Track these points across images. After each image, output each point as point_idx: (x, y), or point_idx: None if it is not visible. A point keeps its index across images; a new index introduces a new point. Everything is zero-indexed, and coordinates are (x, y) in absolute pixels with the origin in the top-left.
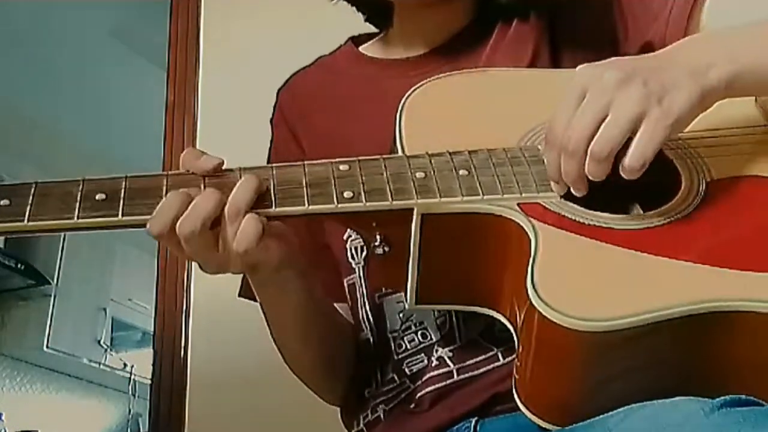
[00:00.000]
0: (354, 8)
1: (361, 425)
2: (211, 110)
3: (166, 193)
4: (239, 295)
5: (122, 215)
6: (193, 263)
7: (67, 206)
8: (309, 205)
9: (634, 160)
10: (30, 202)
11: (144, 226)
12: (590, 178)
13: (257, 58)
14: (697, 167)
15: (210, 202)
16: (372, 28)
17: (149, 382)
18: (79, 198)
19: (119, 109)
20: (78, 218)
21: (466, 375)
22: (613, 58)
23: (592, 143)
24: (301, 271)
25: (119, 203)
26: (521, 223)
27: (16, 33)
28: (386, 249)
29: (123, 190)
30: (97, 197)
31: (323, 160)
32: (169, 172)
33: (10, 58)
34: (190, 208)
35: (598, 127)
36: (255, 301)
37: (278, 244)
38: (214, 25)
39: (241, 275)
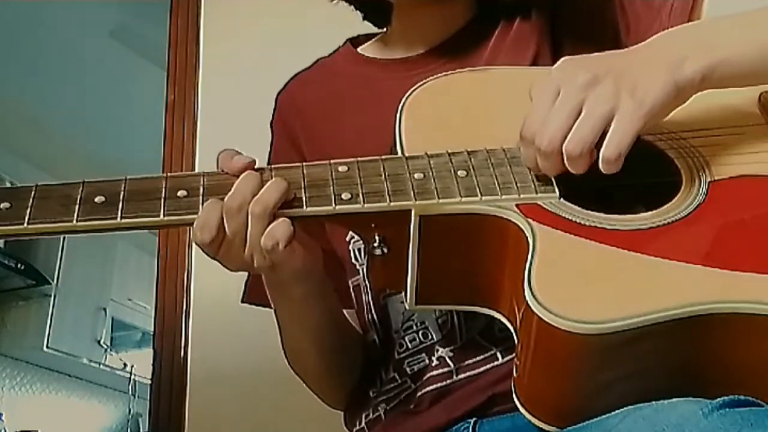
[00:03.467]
0: (352, 7)
1: (363, 424)
2: (211, 110)
3: (165, 194)
4: (242, 302)
5: (121, 218)
6: (192, 265)
7: (66, 209)
8: (307, 207)
9: (609, 152)
10: (30, 205)
11: (141, 228)
12: (573, 173)
13: (257, 58)
14: (698, 167)
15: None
16: (370, 27)
17: (149, 382)
18: (78, 201)
19: (119, 109)
20: (77, 221)
21: (466, 375)
22: (587, 55)
23: (566, 142)
24: (323, 286)
25: (118, 206)
26: (519, 224)
27: (17, 33)
28: (385, 250)
29: (122, 193)
30: (96, 200)
31: (322, 162)
32: (168, 174)
33: (10, 58)
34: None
35: (571, 127)
36: (258, 305)
37: (304, 250)
38: (214, 25)
39: (244, 281)
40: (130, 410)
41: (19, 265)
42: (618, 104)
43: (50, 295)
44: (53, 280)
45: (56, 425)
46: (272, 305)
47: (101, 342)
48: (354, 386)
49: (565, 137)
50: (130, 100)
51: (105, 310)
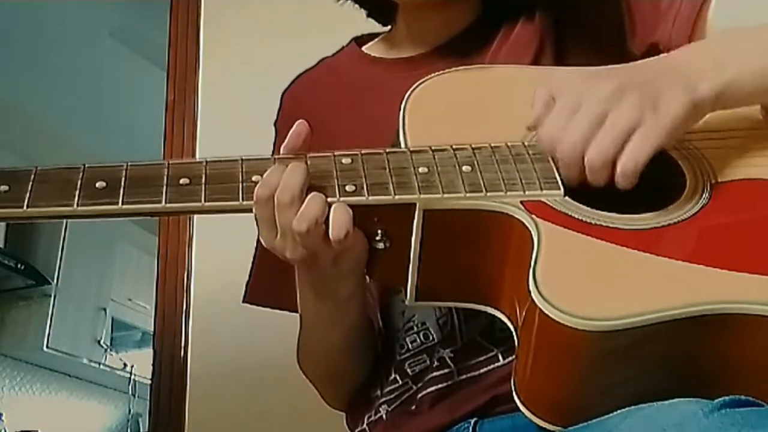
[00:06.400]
0: (356, 5)
1: (365, 425)
2: (211, 110)
3: (167, 182)
4: (243, 301)
5: (122, 204)
6: (192, 265)
7: (66, 193)
8: None
9: (626, 165)
10: (29, 188)
11: (143, 215)
12: (592, 184)
13: (257, 58)
14: (702, 169)
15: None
16: (374, 26)
17: (149, 382)
18: (79, 185)
19: (119, 109)
20: (78, 206)
21: (467, 375)
22: (606, 67)
23: (587, 153)
24: (364, 282)
25: (119, 191)
26: (524, 221)
27: (16, 32)
28: (387, 244)
29: (123, 179)
30: (97, 185)
31: (326, 153)
32: (170, 161)
33: (10, 58)
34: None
35: (594, 137)
36: (260, 306)
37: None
38: (214, 25)
39: (245, 281)
40: (130, 410)
41: (19, 265)
42: (641, 118)
43: (50, 295)
44: (53, 280)
45: (56, 425)
46: (300, 308)
47: (101, 342)
48: (359, 387)
49: (586, 147)
50: (130, 100)
51: (105, 310)
